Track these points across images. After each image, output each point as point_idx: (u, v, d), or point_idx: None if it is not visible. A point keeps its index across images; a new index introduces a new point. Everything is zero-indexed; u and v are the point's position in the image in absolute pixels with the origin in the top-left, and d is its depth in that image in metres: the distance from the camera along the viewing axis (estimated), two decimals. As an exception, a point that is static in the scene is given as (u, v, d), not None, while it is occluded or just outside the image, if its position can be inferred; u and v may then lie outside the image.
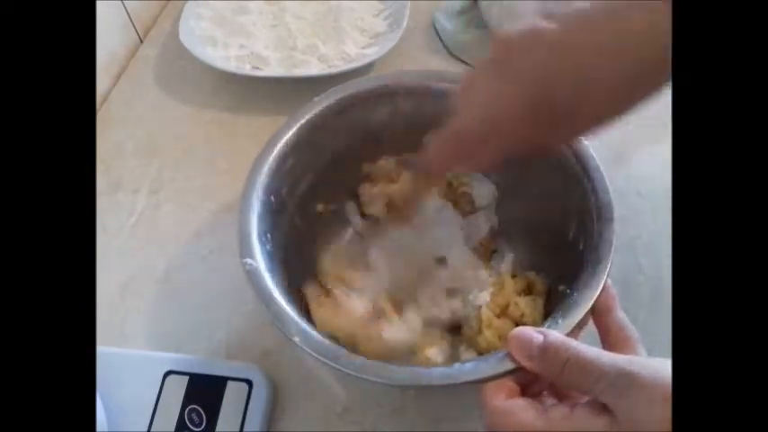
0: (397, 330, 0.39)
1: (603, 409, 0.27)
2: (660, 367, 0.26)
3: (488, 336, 0.39)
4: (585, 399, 0.29)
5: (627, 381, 0.26)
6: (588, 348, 0.29)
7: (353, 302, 0.41)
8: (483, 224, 0.47)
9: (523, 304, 0.40)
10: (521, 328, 0.31)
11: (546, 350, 0.30)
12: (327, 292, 0.42)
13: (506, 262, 0.45)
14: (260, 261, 0.37)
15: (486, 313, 0.40)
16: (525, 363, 0.30)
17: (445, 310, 0.42)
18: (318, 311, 0.41)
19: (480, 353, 0.40)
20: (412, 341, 0.40)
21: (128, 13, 0.67)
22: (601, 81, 0.30)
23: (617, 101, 0.31)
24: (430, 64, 0.64)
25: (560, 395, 0.32)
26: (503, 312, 0.41)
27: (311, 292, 0.42)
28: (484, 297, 0.42)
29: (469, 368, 0.32)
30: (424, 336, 0.40)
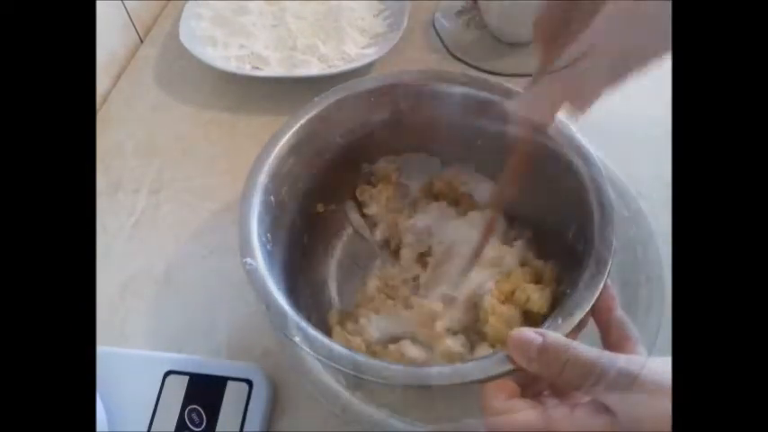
0: (418, 351, 0.40)
1: (604, 408, 0.27)
2: (660, 366, 0.26)
3: (493, 322, 0.39)
4: (586, 399, 0.29)
5: (627, 380, 0.26)
6: (588, 349, 0.29)
7: (372, 328, 0.41)
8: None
9: (530, 290, 0.40)
10: (519, 330, 0.31)
11: (545, 351, 0.30)
12: (351, 316, 0.43)
13: (516, 247, 0.44)
14: (260, 261, 0.37)
15: (489, 300, 0.40)
16: (525, 364, 0.30)
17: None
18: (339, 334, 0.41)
19: (491, 344, 0.40)
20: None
21: (128, 13, 0.67)
22: None
23: None
24: (430, 64, 0.64)
25: (561, 395, 0.32)
26: (507, 299, 0.40)
27: (333, 317, 0.43)
28: (488, 285, 0.41)
29: (469, 368, 0.32)
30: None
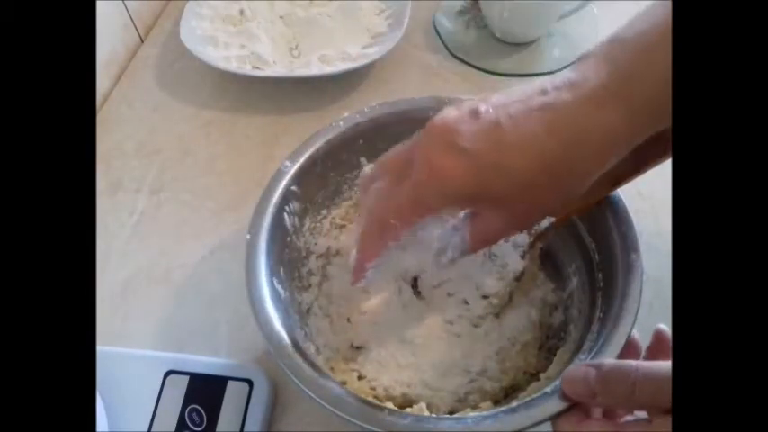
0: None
1: None
2: None
3: None
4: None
5: None
6: (650, 363, 0.27)
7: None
8: None
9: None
10: (569, 370, 0.30)
11: (607, 381, 0.28)
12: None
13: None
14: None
15: None
16: (589, 400, 0.29)
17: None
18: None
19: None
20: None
21: (129, 12, 0.67)
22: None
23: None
24: (430, 64, 0.64)
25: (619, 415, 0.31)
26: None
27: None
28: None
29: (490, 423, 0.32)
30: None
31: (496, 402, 0.39)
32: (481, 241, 0.35)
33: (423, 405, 0.38)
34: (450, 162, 0.30)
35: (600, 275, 0.38)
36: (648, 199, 0.50)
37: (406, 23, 0.62)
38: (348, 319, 0.43)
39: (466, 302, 0.42)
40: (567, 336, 0.40)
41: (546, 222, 0.41)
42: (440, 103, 0.44)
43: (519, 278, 0.42)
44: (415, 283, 0.45)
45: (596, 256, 0.39)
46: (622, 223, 0.37)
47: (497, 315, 0.42)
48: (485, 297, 0.42)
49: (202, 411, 0.40)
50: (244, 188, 0.54)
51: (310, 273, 0.44)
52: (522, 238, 0.43)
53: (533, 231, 0.43)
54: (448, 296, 0.43)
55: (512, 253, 0.43)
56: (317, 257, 0.45)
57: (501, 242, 0.43)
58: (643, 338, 0.33)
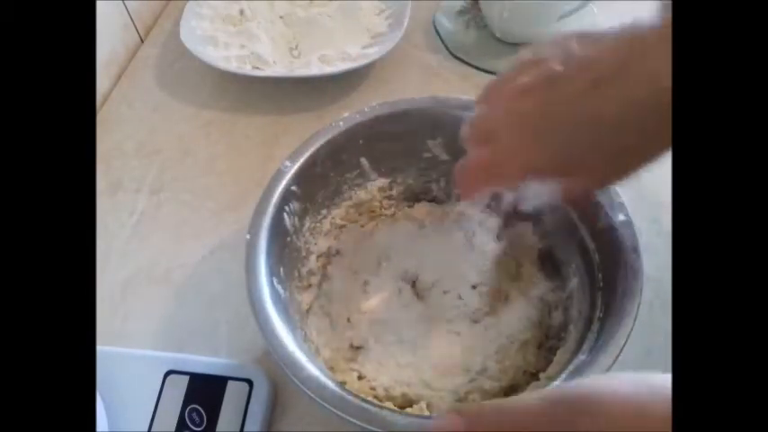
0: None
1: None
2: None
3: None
4: None
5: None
6: (518, 398, 0.28)
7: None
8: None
9: None
10: (435, 424, 0.29)
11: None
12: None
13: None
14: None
15: None
16: None
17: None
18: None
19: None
20: None
21: (129, 12, 0.67)
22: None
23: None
24: (430, 64, 0.64)
25: None
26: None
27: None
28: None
29: None
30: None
31: None
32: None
33: (423, 405, 0.38)
34: None
35: (600, 275, 0.38)
36: (648, 199, 0.50)
37: (406, 23, 0.62)
38: (348, 319, 0.43)
39: (460, 297, 0.42)
40: (567, 336, 0.40)
41: (511, 201, 0.40)
42: (440, 103, 0.45)
43: (511, 269, 0.43)
44: (414, 284, 0.45)
45: (596, 256, 0.39)
46: (622, 223, 0.37)
47: (494, 309, 0.42)
48: (474, 287, 0.42)
49: (202, 411, 0.40)
50: (244, 188, 0.54)
51: (310, 273, 0.44)
52: (493, 222, 0.44)
53: (503, 212, 0.42)
54: (444, 294, 0.43)
55: (487, 237, 0.45)
56: (317, 257, 0.45)
57: (476, 228, 0.45)
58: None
